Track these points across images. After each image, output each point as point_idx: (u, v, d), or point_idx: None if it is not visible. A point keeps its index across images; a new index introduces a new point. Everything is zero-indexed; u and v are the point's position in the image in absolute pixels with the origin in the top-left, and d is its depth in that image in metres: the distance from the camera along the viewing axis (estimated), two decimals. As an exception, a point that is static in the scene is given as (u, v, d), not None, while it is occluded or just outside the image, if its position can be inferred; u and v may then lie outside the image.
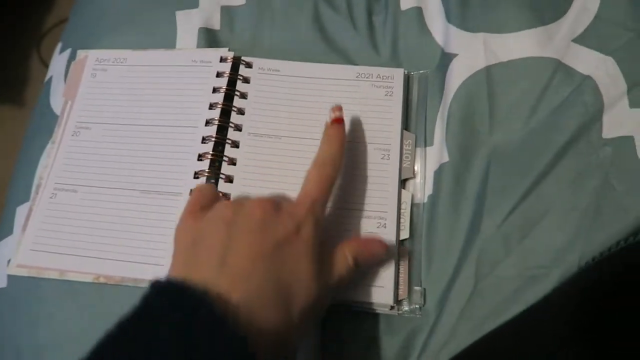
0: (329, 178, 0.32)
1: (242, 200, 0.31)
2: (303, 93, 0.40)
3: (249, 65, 0.41)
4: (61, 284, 0.37)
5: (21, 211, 0.40)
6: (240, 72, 0.41)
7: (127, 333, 0.24)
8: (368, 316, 0.34)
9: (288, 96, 0.40)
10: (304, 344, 0.33)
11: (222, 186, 0.37)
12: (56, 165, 0.40)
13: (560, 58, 0.38)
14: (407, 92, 0.40)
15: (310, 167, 0.33)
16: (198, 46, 0.43)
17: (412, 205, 0.37)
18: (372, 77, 0.40)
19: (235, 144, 0.38)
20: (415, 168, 0.38)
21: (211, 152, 0.38)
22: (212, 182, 0.37)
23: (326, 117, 0.35)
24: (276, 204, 0.30)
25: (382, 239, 0.33)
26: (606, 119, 0.35)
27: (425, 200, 0.37)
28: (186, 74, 0.42)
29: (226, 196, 0.37)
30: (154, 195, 0.38)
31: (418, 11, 0.42)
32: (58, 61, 0.47)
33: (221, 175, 0.37)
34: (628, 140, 0.35)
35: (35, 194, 0.39)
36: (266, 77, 0.40)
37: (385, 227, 0.35)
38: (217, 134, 0.39)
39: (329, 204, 0.35)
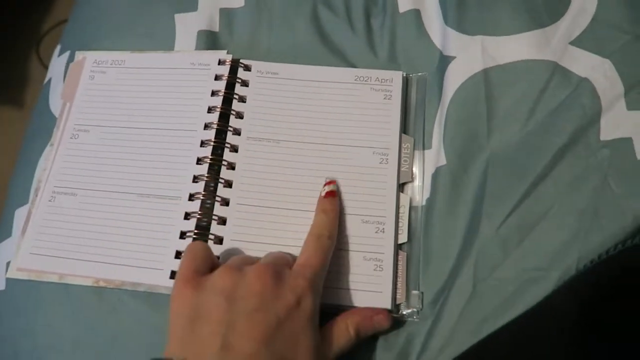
0: (328, 249, 0.33)
1: (240, 267, 0.30)
2: (302, 96, 0.40)
3: (247, 68, 0.41)
4: (60, 287, 0.37)
5: (20, 213, 0.40)
6: (238, 75, 0.41)
7: None
8: (366, 320, 0.34)
9: (287, 99, 0.40)
10: None
11: (221, 191, 0.37)
12: (55, 168, 0.40)
13: (558, 60, 0.38)
14: (406, 94, 0.40)
15: (308, 236, 0.34)
16: (197, 49, 0.43)
17: (410, 208, 0.37)
18: (370, 80, 0.40)
19: (234, 148, 0.38)
20: (414, 171, 0.38)
21: (210, 156, 0.38)
22: (203, 240, 0.36)
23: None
24: (276, 273, 0.30)
25: (385, 312, 0.33)
26: (604, 121, 0.35)
27: (423, 203, 0.37)
28: (184, 76, 0.41)
29: (218, 238, 0.36)
30: (153, 199, 0.38)
31: (416, 13, 0.42)
32: (57, 63, 0.47)
33: (220, 180, 0.37)
34: (626, 142, 0.35)
35: (34, 197, 0.39)
36: (265, 80, 0.40)
37: (383, 231, 0.35)
38: (215, 137, 0.39)
39: None
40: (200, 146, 0.39)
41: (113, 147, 0.40)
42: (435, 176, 0.37)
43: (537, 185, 0.35)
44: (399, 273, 0.35)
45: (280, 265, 0.31)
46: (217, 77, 0.41)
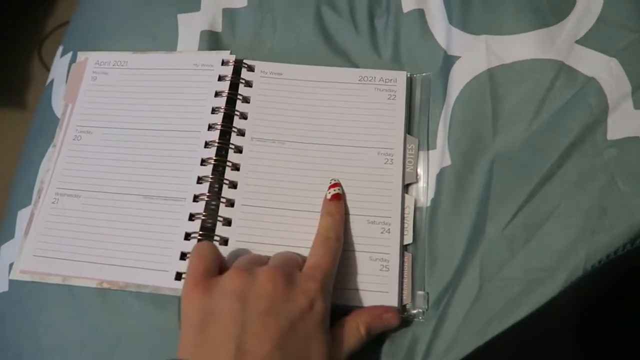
0: (336, 251, 0.33)
1: (250, 269, 0.30)
2: (306, 97, 0.39)
3: (251, 68, 0.41)
4: (64, 289, 0.36)
5: (23, 215, 0.40)
6: (242, 76, 0.40)
7: None
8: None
9: (291, 100, 0.39)
10: None
11: (226, 192, 0.37)
12: (57, 169, 0.40)
13: (564, 60, 0.38)
14: (410, 95, 0.40)
15: (315, 239, 0.34)
16: (199, 49, 0.43)
17: (415, 209, 0.36)
18: (374, 80, 0.39)
19: (239, 149, 0.38)
20: (418, 172, 0.37)
21: (214, 157, 0.38)
22: (209, 236, 0.36)
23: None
24: (287, 276, 0.30)
25: (394, 309, 0.33)
26: (611, 120, 0.35)
27: (428, 204, 0.36)
28: (187, 77, 0.41)
29: (224, 240, 0.36)
30: (157, 201, 0.38)
31: (420, 13, 0.42)
32: (59, 64, 0.47)
33: (225, 181, 0.37)
34: (634, 140, 0.35)
35: (37, 198, 0.39)
36: (268, 81, 0.40)
37: (389, 232, 0.35)
38: (220, 138, 0.38)
39: None
40: (204, 147, 0.39)
41: (116, 149, 0.40)
42: (440, 177, 0.37)
43: (544, 184, 0.35)
44: (405, 274, 0.35)
45: (290, 267, 0.31)
46: (220, 78, 0.41)
